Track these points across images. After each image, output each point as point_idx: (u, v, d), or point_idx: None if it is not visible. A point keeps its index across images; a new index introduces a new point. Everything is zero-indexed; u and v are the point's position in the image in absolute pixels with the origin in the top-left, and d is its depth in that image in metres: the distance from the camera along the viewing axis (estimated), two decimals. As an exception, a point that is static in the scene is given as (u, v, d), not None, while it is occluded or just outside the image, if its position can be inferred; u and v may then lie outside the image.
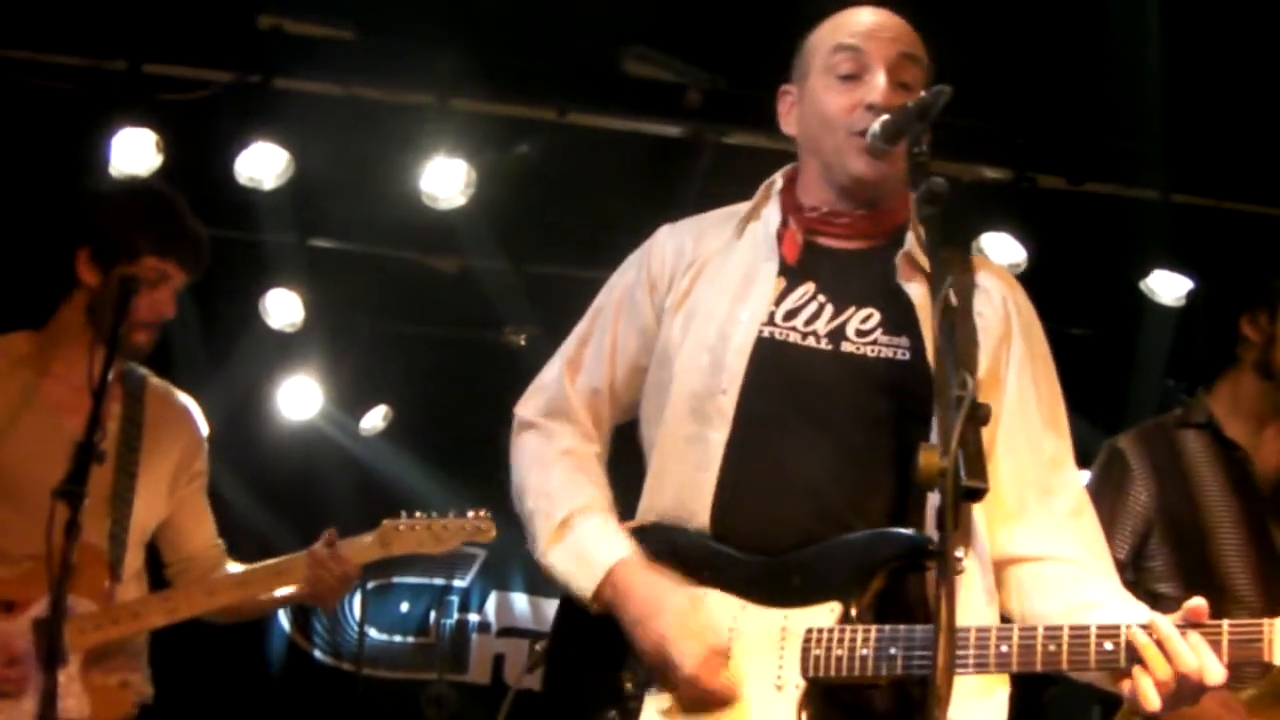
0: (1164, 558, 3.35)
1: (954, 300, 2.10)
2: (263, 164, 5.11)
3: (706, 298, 2.53)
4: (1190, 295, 5.48)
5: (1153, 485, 3.38)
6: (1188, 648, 2.09)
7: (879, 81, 2.42)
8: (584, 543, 2.46)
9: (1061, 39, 4.65)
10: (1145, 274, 5.53)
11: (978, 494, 1.93)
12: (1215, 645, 2.09)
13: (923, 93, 2.28)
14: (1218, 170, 5.28)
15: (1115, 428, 3.64)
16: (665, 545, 2.41)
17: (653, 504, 2.50)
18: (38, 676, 3.21)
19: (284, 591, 3.60)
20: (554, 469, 2.57)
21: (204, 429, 3.72)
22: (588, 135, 5.27)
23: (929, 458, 1.90)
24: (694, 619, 2.29)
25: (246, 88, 5.01)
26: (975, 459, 1.93)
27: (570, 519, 2.49)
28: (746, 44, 4.87)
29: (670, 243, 2.65)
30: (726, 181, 5.27)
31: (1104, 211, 5.49)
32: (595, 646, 2.43)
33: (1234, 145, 5.14)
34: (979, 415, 1.96)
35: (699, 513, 2.40)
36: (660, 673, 2.31)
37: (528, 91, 5.13)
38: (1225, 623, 2.10)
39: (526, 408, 2.68)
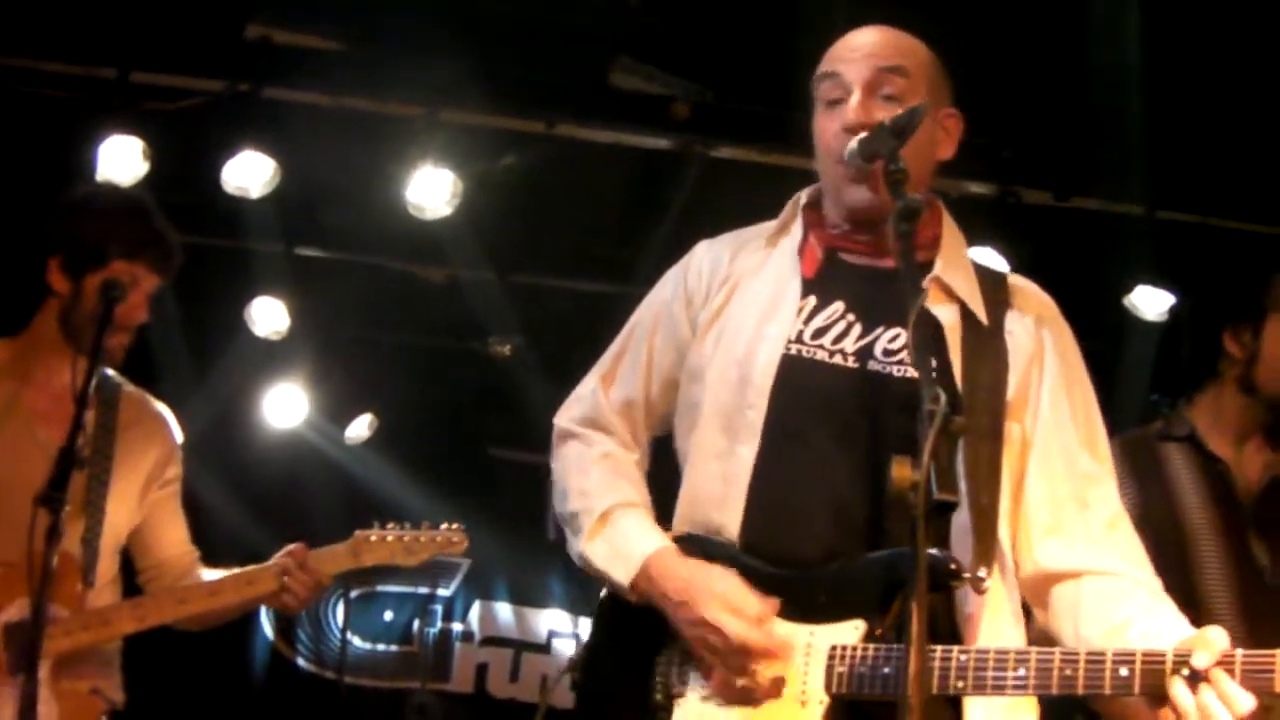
0: (1144, 569, 3.36)
1: (930, 314, 2.11)
2: (250, 173, 5.12)
3: (737, 314, 2.56)
4: (1173, 310, 5.50)
5: (1136, 496, 3.39)
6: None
7: (851, 102, 2.44)
8: (622, 535, 2.50)
9: (1047, 55, 4.67)
10: (1129, 289, 5.55)
11: (948, 507, 1.93)
12: (1228, 673, 2.09)
13: (899, 109, 2.30)
14: (1201, 186, 5.31)
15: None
16: (698, 556, 2.43)
17: (685, 516, 2.54)
18: (4, 680, 3.20)
19: (254, 596, 3.56)
20: (593, 470, 2.62)
21: (178, 436, 3.69)
22: (575, 147, 5.27)
23: (901, 470, 1.91)
24: (735, 594, 2.31)
25: (234, 97, 5.01)
26: (947, 472, 1.93)
27: (609, 513, 2.53)
28: (734, 57, 4.89)
29: (707, 258, 2.67)
30: (714, 194, 5.33)
31: (1088, 227, 5.50)
32: (623, 658, 2.46)
33: (1218, 162, 5.15)
34: (952, 429, 1.96)
35: (728, 525, 2.43)
36: (705, 655, 2.32)
37: (515, 103, 5.14)
38: (1239, 652, 2.11)
39: (564, 417, 2.72)
